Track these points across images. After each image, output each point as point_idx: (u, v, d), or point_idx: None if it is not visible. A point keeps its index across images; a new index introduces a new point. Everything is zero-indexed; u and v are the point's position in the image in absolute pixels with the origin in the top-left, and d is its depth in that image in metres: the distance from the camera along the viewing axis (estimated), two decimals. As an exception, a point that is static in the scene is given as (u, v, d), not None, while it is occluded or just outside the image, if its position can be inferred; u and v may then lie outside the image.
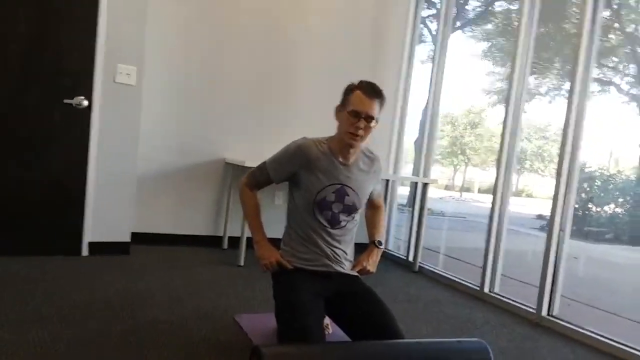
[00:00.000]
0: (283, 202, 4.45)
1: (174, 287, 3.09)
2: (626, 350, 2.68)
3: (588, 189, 9.23)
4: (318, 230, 2.27)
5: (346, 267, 2.35)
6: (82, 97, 3.42)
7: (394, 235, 5.04)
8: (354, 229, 2.38)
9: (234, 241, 4.06)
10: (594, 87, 11.03)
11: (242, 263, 3.76)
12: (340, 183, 2.26)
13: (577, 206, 9.25)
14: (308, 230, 2.27)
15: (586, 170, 9.29)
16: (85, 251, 3.56)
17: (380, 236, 2.48)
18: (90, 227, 3.58)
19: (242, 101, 4.34)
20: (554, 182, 3.21)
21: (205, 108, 4.24)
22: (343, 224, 2.30)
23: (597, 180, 9.23)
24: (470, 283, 3.81)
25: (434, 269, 4.28)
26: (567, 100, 3.22)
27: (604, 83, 11.16)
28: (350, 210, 2.30)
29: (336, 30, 4.62)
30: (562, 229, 3.15)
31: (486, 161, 13.89)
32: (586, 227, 8.91)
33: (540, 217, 7.32)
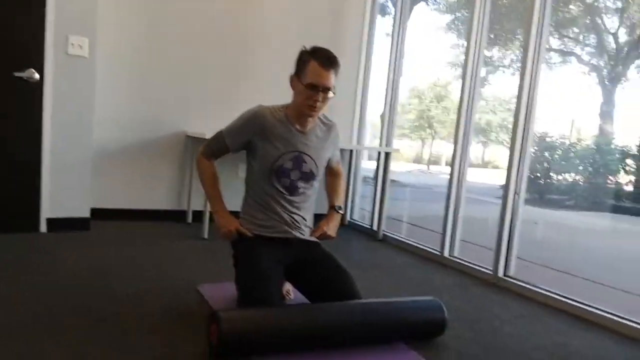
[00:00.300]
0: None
1: (136, 261, 3.08)
2: (577, 307, 2.77)
3: (550, 158, 9.44)
4: (276, 197, 2.28)
5: (306, 234, 2.37)
6: (33, 70, 3.33)
7: (360, 205, 5.10)
8: (313, 196, 2.39)
9: (199, 215, 4.05)
10: (555, 57, 11.19)
11: (206, 236, 3.76)
12: (298, 150, 2.27)
13: (538, 175, 9.49)
14: (266, 198, 2.28)
15: (547, 139, 9.48)
16: (43, 227, 3.51)
17: (340, 201, 2.50)
18: (48, 203, 3.52)
19: (201, 73, 4.29)
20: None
21: (164, 80, 4.17)
22: (301, 190, 2.31)
23: (558, 149, 9.43)
24: (431, 249, 3.89)
25: (398, 236, 4.34)
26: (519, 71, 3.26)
27: (565, 54, 11.32)
28: (308, 177, 2.31)
29: (294, 1, 4.59)
30: (516, 193, 3.22)
31: (453, 134, 14.04)
32: (548, 195, 9.12)
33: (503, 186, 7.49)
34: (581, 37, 10.95)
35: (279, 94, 2.64)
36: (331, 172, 2.57)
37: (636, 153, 8.39)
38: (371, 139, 5.71)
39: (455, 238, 3.73)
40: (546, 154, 9.33)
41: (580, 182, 9.16)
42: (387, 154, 4.53)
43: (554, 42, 11.15)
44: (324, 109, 2.27)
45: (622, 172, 8.57)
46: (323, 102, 2.19)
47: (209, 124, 4.14)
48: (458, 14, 11.37)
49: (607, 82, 10.10)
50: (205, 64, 4.30)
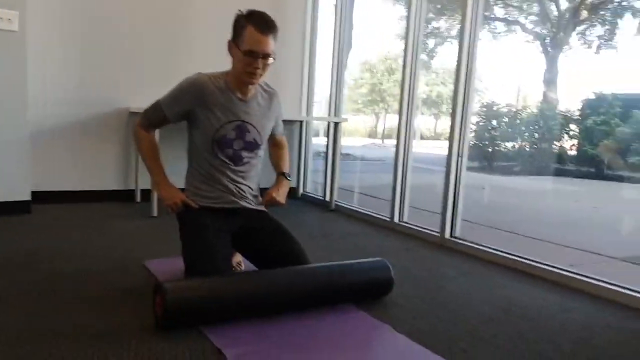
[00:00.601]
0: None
1: (80, 242, 3.00)
2: (521, 262, 2.86)
3: (497, 126, 9.64)
4: (220, 168, 2.24)
5: (253, 203, 2.35)
6: None
7: (313, 179, 5.10)
8: (258, 165, 2.37)
9: (147, 193, 3.98)
10: (500, 27, 11.38)
11: (155, 214, 3.70)
12: (240, 119, 2.23)
13: (486, 142, 9.67)
14: (210, 169, 2.24)
15: (494, 108, 9.67)
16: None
17: (287, 169, 2.46)
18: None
19: (141, 46, 4.17)
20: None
21: (103, 55, 4.04)
22: (245, 160, 2.28)
23: (504, 117, 9.64)
24: (382, 216, 3.93)
25: (350, 206, 4.38)
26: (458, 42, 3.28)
27: (510, 22, 11.52)
28: (252, 147, 2.28)
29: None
30: (459, 155, 3.27)
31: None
32: (495, 162, 9.34)
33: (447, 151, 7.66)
34: (524, 6, 11.15)
35: (219, 63, 2.57)
36: (275, 144, 2.53)
37: (579, 117, 8.66)
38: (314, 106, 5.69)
39: (404, 205, 3.78)
40: (494, 122, 9.53)
41: (527, 148, 9.41)
42: (337, 125, 4.52)
43: (499, 12, 11.33)
44: (265, 76, 2.23)
45: (565, 136, 8.84)
46: (263, 68, 2.13)
47: (153, 99, 4.06)
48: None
49: (550, 50, 10.34)
50: (144, 37, 4.17)
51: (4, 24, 3.33)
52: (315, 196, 4.82)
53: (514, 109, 10.13)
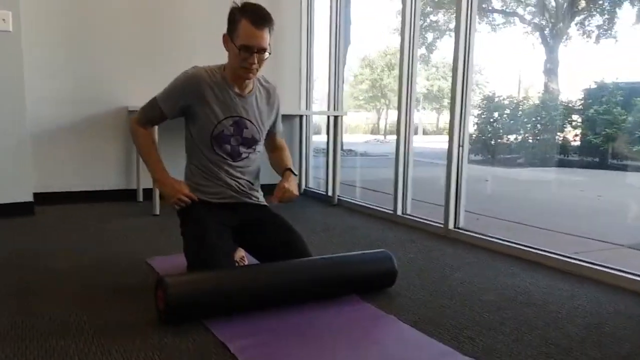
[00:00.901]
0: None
1: (83, 241, 2.99)
2: (525, 250, 2.83)
3: (499, 118, 9.60)
4: (219, 163, 2.22)
5: (256, 198, 2.33)
6: None
7: (315, 175, 5.08)
8: (257, 160, 2.34)
9: (149, 192, 3.96)
10: (498, 19, 11.34)
11: (157, 212, 3.68)
12: (238, 115, 2.20)
13: (489, 135, 9.63)
14: (209, 165, 2.22)
15: (495, 100, 9.64)
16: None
17: (292, 165, 2.37)
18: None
19: (136, 45, 4.16)
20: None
21: (99, 54, 4.04)
22: (244, 155, 2.25)
23: (506, 109, 9.60)
24: (385, 209, 3.91)
25: (353, 200, 4.36)
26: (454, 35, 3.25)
27: (508, 14, 11.48)
28: (250, 143, 2.25)
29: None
30: (460, 145, 3.24)
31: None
32: (499, 155, 9.31)
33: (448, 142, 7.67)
34: (522, -2, 11.11)
35: (219, 56, 2.53)
36: (274, 147, 2.46)
37: (581, 107, 8.62)
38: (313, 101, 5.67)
39: (407, 197, 3.76)
40: (495, 114, 9.50)
41: (530, 140, 9.38)
42: (336, 120, 4.50)
43: (496, 3, 11.29)
44: (262, 70, 2.20)
45: (568, 127, 8.80)
46: (259, 63, 2.09)
47: (151, 96, 4.04)
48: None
49: (549, 40, 10.30)
50: (140, 34, 4.16)
51: None
52: (318, 191, 4.80)
53: (515, 101, 10.08)
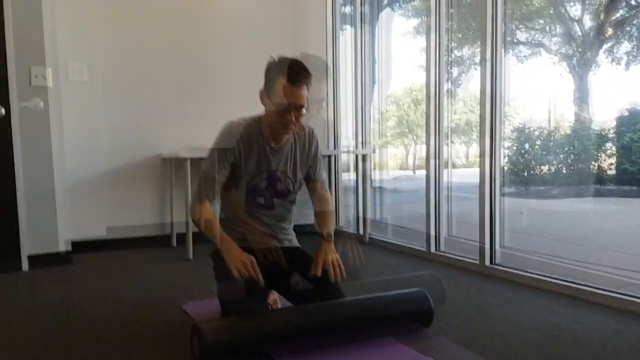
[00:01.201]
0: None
1: (120, 288, 3.02)
2: (566, 286, 2.76)
3: (530, 149, 9.48)
4: (254, 213, 2.22)
5: (286, 242, 2.32)
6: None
7: (344, 213, 5.07)
8: (292, 206, 2.33)
9: (182, 237, 4.00)
10: (525, 50, 11.30)
11: (190, 257, 3.71)
12: (272, 170, 2.19)
13: (521, 167, 9.50)
14: (243, 214, 2.22)
15: (526, 131, 9.53)
16: (25, 266, 3.44)
17: (330, 229, 2.22)
18: (27, 240, 3.45)
19: (168, 95, 4.26)
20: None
21: (132, 105, 4.15)
22: (277, 205, 2.26)
23: (537, 140, 9.47)
24: (418, 246, 3.87)
25: (384, 238, 4.33)
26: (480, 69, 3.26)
27: (534, 45, 11.44)
28: (283, 194, 2.25)
29: (254, 14, 4.59)
30: (492, 180, 3.20)
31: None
32: (532, 187, 9.15)
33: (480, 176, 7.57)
34: (548, 28, 11.08)
35: (245, 106, 2.56)
36: (317, 198, 2.32)
37: (614, 135, 8.46)
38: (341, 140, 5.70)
39: (440, 234, 3.71)
40: (526, 145, 9.38)
41: (563, 170, 9.20)
42: (364, 157, 4.52)
43: (522, 36, 11.27)
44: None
45: (602, 155, 8.62)
46: (297, 118, 2.07)
47: (183, 144, 4.12)
48: (423, 17, 11.47)
49: (578, 69, 10.20)
50: (170, 86, 4.27)
51: (39, 80, 3.46)
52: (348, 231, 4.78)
53: (547, 131, 9.96)
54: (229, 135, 2.13)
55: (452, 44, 3.76)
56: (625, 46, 9.64)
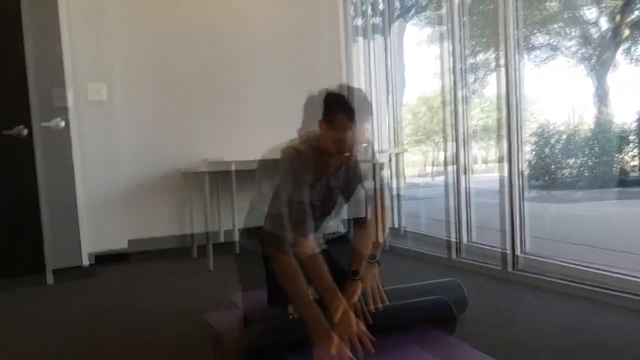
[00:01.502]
0: (271, 190, 4.45)
1: (143, 299, 3.06)
2: (592, 290, 2.71)
3: (555, 144, 9.37)
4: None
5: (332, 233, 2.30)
6: (59, 119, 3.47)
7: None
8: (343, 212, 2.31)
9: (203, 249, 4.02)
10: (544, 53, 11.23)
11: (211, 268, 3.73)
12: (327, 191, 2.15)
13: (548, 161, 9.38)
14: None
15: (551, 127, 9.43)
16: (86, 262, 3.65)
17: (374, 250, 2.16)
18: (87, 239, 3.69)
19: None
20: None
21: (150, 124, 4.25)
22: (329, 218, 2.24)
23: (563, 135, 9.38)
24: (439, 253, 3.84)
25: (404, 246, 4.30)
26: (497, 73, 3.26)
27: (553, 48, 11.37)
28: (337, 210, 2.24)
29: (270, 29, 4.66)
30: (513, 184, 3.16)
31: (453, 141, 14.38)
32: (559, 179, 9.05)
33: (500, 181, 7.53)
34: (564, 32, 11.00)
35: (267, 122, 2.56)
36: (358, 225, 2.26)
37: (636, 137, 8.34)
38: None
39: (460, 240, 3.69)
40: (552, 140, 9.28)
41: (586, 173, 9.08)
42: (381, 165, 4.52)
43: (542, 39, 11.22)
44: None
45: (626, 157, 8.50)
46: (354, 151, 2.02)
47: (227, 148, 4.19)
48: (437, 26, 11.56)
49: (597, 69, 10.11)
50: (191, 101, 4.37)
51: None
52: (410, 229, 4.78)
53: (571, 127, 9.86)
54: (299, 161, 2.01)
55: (467, 51, 3.75)
56: (643, 46, 9.55)
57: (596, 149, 8.97)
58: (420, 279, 3.25)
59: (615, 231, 4.81)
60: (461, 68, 3.68)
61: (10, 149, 3.42)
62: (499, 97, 3.20)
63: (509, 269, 3.17)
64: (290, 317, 2.29)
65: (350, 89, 2.04)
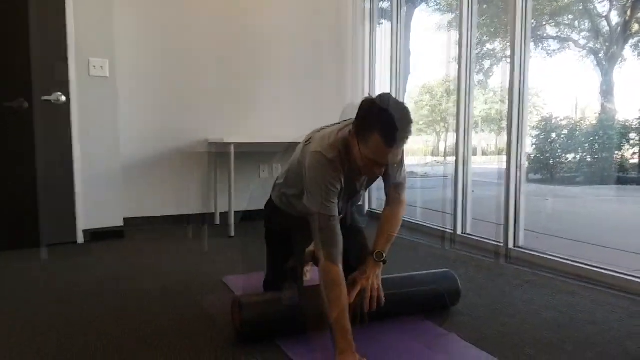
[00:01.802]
0: (269, 175, 4.44)
1: (166, 261, 3.08)
2: (585, 269, 2.69)
3: (557, 139, 9.25)
4: None
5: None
6: (60, 93, 3.35)
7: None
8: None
9: (225, 216, 4.05)
10: (553, 45, 10.99)
11: (232, 234, 3.75)
12: (354, 192, 1.99)
13: (548, 155, 9.28)
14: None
15: (553, 121, 9.30)
16: (80, 239, 3.52)
17: (383, 247, 1.97)
18: (83, 216, 3.52)
19: (214, 83, 4.27)
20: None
21: (181, 93, 4.17)
22: (350, 205, 2.11)
23: (564, 130, 9.24)
24: (445, 228, 3.82)
25: (412, 220, 4.29)
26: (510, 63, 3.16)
27: (562, 40, 11.12)
28: (357, 199, 2.13)
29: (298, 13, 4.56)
30: (518, 167, 3.12)
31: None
32: (558, 174, 8.94)
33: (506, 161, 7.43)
34: (576, 23, 10.74)
35: (286, 97, 2.46)
36: (391, 201, 2.05)
37: (638, 126, 8.18)
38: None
39: (466, 217, 3.66)
40: (553, 135, 9.15)
41: (588, 159, 8.96)
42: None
43: (551, 30, 10.96)
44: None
45: (626, 145, 8.36)
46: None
47: (228, 130, 4.16)
48: (457, 12, 11.28)
49: (604, 63, 9.88)
50: (216, 74, 4.28)
51: (97, 71, 3.53)
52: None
53: (573, 122, 9.70)
54: (331, 170, 1.75)
55: (474, 40, 3.65)
56: (651, 42, 9.28)
57: (596, 145, 8.82)
58: (427, 253, 3.27)
59: (608, 229, 4.75)
60: (467, 57, 3.60)
61: (10, 121, 3.24)
62: (502, 89, 3.13)
63: (510, 245, 3.14)
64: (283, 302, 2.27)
65: (391, 102, 1.65)
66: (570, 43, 11.15)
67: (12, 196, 3.30)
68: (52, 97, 3.35)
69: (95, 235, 3.58)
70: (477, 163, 10.05)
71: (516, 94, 3.11)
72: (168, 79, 4.13)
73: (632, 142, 8.36)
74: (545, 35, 10.85)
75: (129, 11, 3.92)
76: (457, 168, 3.68)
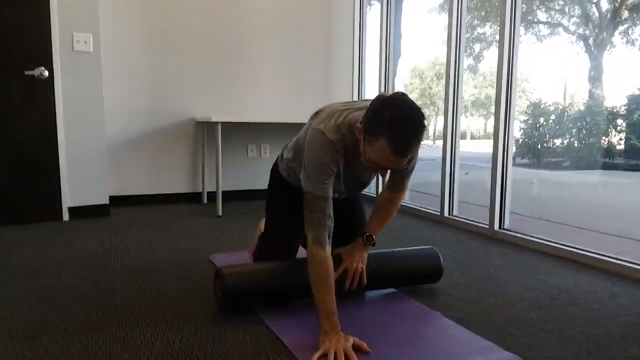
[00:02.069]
0: (257, 155, 4.42)
1: (152, 239, 3.06)
2: (568, 250, 2.72)
3: (544, 123, 9.27)
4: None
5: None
6: (43, 68, 3.30)
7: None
8: None
9: (213, 195, 4.04)
10: (543, 30, 10.96)
11: (220, 213, 3.74)
12: (357, 177, 1.91)
13: (536, 140, 9.31)
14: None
15: (542, 106, 9.31)
16: (65, 216, 3.50)
17: (375, 231, 1.96)
18: (68, 193, 3.50)
19: (201, 61, 4.23)
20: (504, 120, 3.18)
21: (167, 70, 4.13)
22: (353, 191, 2.06)
23: (552, 115, 9.26)
24: (432, 210, 3.84)
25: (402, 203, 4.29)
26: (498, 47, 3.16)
27: (553, 25, 11.08)
28: (362, 187, 2.04)
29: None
30: (505, 151, 3.14)
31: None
32: (545, 158, 8.98)
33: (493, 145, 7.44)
34: (567, 9, 10.70)
35: (274, 76, 2.44)
36: (393, 187, 2.00)
37: (625, 113, 8.21)
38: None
39: (453, 199, 3.68)
40: (541, 119, 9.17)
41: (575, 144, 9.00)
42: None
43: (542, 15, 10.92)
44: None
45: (613, 131, 8.40)
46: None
47: (215, 109, 4.12)
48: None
49: (593, 49, 9.87)
50: (203, 52, 4.24)
51: (81, 45, 3.46)
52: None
53: (561, 107, 9.73)
54: (333, 152, 1.67)
55: (476, 21, 3.63)
56: (640, 29, 9.28)
57: (584, 131, 8.86)
58: (414, 233, 3.28)
59: (592, 213, 4.80)
60: (457, 41, 3.58)
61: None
62: (492, 74, 3.13)
63: (496, 227, 3.17)
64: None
65: (404, 107, 1.51)
66: (560, 28, 11.14)
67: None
68: (35, 72, 3.29)
69: (80, 213, 3.56)
70: (467, 146, 10.06)
71: (505, 79, 3.11)
72: (154, 56, 4.08)
73: (618, 128, 8.41)
74: (535, 20, 10.82)
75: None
76: (445, 151, 3.68)
